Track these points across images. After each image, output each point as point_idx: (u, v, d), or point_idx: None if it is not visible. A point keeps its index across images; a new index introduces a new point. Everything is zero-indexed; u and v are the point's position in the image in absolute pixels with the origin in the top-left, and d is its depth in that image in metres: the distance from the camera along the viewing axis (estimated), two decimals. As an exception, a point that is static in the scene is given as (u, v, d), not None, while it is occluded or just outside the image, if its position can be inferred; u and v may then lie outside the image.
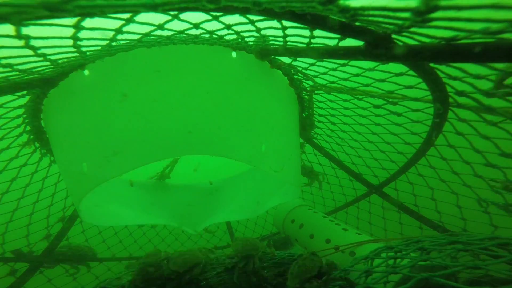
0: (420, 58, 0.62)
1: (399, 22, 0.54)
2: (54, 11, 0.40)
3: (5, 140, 1.11)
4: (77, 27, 0.64)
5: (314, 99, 1.34)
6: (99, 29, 0.70)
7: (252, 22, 0.77)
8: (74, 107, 0.92)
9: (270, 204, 1.48)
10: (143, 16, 0.64)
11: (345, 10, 0.49)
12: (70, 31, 0.66)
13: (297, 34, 0.81)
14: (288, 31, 0.81)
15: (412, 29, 0.58)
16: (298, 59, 1.02)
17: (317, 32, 0.75)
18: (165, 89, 0.88)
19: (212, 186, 1.74)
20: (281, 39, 0.87)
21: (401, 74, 0.89)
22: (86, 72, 0.90)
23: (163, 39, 0.86)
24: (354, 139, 1.44)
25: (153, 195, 1.58)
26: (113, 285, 0.86)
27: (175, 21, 0.72)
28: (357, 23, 0.60)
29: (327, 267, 0.70)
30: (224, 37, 0.90)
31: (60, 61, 0.85)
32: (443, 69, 0.79)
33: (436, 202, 1.33)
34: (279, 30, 0.81)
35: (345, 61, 0.95)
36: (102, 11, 0.44)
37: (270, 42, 0.94)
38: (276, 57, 1.06)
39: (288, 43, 0.89)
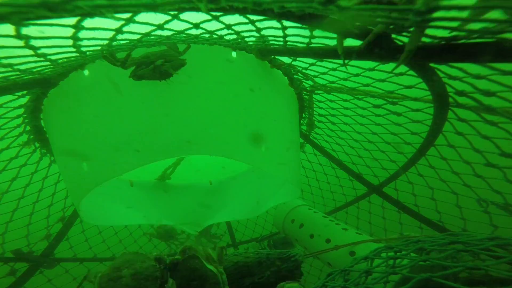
0: (420, 58, 0.62)
1: (399, 22, 0.53)
2: (54, 11, 0.40)
3: (5, 140, 1.11)
4: (77, 27, 0.64)
5: (314, 99, 1.34)
6: (99, 29, 0.70)
7: (252, 22, 0.77)
8: (74, 107, 0.92)
9: (270, 204, 1.48)
10: (143, 16, 0.64)
11: (345, 10, 0.49)
12: (70, 31, 0.66)
13: (297, 34, 0.81)
14: (288, 31, 0.81)
15: (412, 29, 0.58)
16: (298, 59, 1.02)
17: (317, 32, 0.75)
18: (165, 89, 0.88)
19: (212, 186, 1.74)
20: (281, 39, 0.87)
21: (401, 74, 0.88)
22: (86, 72, 0.90)
23: (163, 39, 0.86)
24: (354, 139, 1.44)
25: (153, 195, 1.58)
26: None
27: (175, 21, 0.72)
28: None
29: None
30: (224, 37, 0.90)
31: (60, 61, 0.85)
32: (443, 69, 0.79)
33: (436, 202, 1.33)
34: (279, 30, 0.81)
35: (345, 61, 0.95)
36: (102, 11, 0.44)
37: (270, 42, 0.94)
38: (276, 57, 1.06)
39: (288, 43, 0.89)
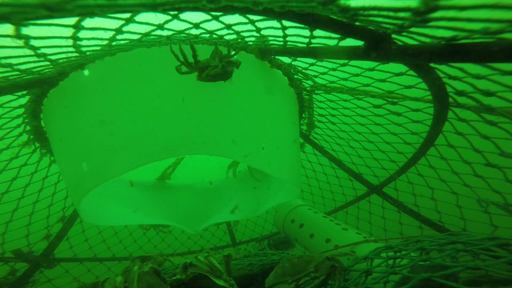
0: (420, 58, 0.62)
1: (399, 22, 0.54)
2: (54, 11, 0.40)
3: (5, 140, 1.11)
4: (77, 27, 0.64)
5: (314, 99, 1.34)
6: (99, 29, 0.70)
7: (252, 22, 0.77)
8: (74, 107, 0.92)
9: (270, 204, 1.48)
10: (143, 16, 0.64)
11: (345, 10, 0.49)
12: (70, 31, 0.66)
13: (297, 34, 0.81)
14: (288, 31, 0.81)
15: (412, 29, 0.58)
16: (298, 59, 1.02)
17: (317, 32, 0.75)
18: (165, 89, 0.88)
19: (212, 186, 1.74)
20: (281, 39, 0.87)
21: (401, 74, 0.89)
22: (86, 72, 0.90)
23: (163, 39, 0.86)
24: (354, 139, 1.44)
25: (153, 195, 1.58)
26: None
27: (175, 21, 0.72)
28: (357, 23, 0.60)
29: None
30: (224, 37, 0.90)
31: (60, 61, 0.85)
32: (443, 69, 0.79)
33: (436, 202, 1.33)
34: (279, 30, 0.81)
35: (345, 61, 0.95)
36: (102, 11, 0.44)
37: (270, 42, 0.94)
38: (276, 57, 1.06)
39: (288, 43, 0.89)
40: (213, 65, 0.74)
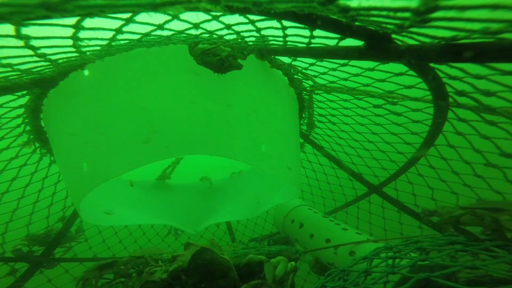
0: (420, 58, 0.62)
1: (399, 22, 0.54)
2: (54, 11, 0.40)
3: (5, 140, 1.11)
4: (77, 27, 0.64)
5: (314, 99, 1.34)
6: (99, 29, 0.70)
7: (252, 22, 0.77)
8: (74, 107, 0.92)
9: (270, 204, 1.48)
10: (143, 16, 0.64)
11: (345, 10, 0.49)
12: (70, 31, 0.66)
13: (297, 34, 0.81)
14: (288, 31, 0.81)
15: (412, 29, 0.58)
16: (298, 59, 1.02)
17: (317, 32, 0.75)
18: (165, 89, 0.88)
19: (212, 186, 1.74)
20: (281, 39, 0.87)
21: (401, 74, 0.89)
22: (86, 72, 0.90)
23: (163, 39, 0.86)
24: (354, 139, 1.44)
25: (153, 195, 1.58)
26: None
27: (175, 21, 0.72)
28: (357, 23, 0.60)
29: None
30: (224, 37, 0.90)
31: (60, 61, 0.85)
32: (443, 69, 0.79)
33: (436, 202, 1.33)
34: (279, 30, 0.81)
35: (345, 61, 0.95)
36: (102, 11, 0.44)
37: (270, 42, 0.94)
38: (276, 57, 1.06)
39: (288, 43, 0.89)
40: (214, 53, 0.75)
